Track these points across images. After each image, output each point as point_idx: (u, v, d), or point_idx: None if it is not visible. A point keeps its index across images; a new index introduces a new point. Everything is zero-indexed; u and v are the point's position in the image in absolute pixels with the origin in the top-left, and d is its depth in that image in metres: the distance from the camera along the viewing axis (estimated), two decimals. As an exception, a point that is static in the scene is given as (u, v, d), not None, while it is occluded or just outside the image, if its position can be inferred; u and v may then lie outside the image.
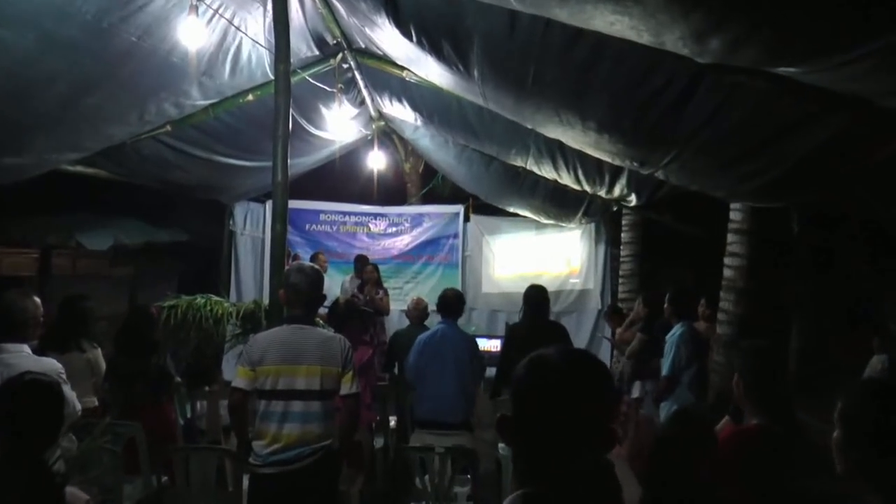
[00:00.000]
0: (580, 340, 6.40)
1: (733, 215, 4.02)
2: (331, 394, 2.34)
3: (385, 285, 5.84)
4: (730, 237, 4.02)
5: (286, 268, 2.52)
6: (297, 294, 2.34)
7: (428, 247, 7.57)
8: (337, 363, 2.32)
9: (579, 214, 6.28)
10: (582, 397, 0.96)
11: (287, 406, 2.31)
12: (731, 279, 3.98)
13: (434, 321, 3.59)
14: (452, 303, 3.50)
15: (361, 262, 6.03)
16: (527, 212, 6.69)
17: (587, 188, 4.88)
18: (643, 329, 4.13)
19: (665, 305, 3.71)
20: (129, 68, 3.35)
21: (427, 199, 8.42)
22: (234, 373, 2.35)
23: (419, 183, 8.84)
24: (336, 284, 5.83)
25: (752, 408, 1.77)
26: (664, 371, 3.49)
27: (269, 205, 6.49)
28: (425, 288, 7.23)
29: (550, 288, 6.01)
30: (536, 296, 3.42)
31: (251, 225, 7.08)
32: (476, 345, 3.50)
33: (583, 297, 6.81)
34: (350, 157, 7.09)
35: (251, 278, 6.92)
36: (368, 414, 3.97)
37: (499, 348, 4.06)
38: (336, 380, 2.33)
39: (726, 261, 4.02)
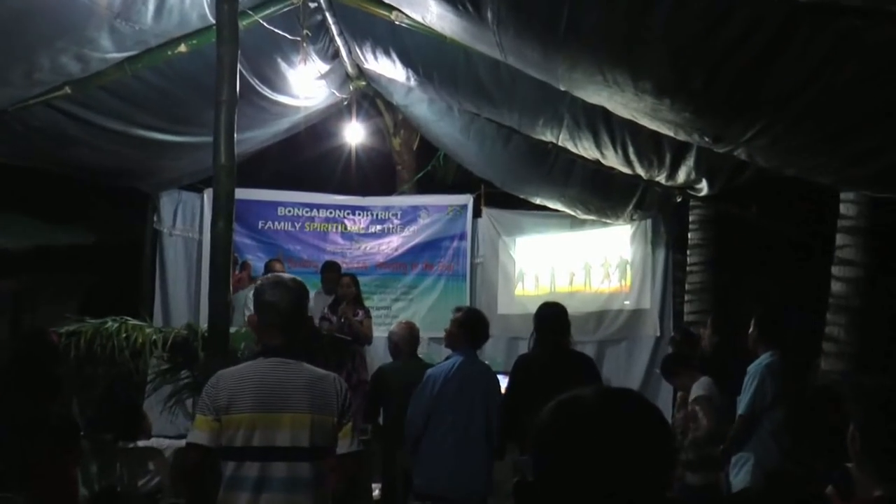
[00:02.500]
0: (632, 378, 6.43)
1: (845, 209, 4.15)
2: (324, 452, 2.31)
3: (366, 304, 5.97)
4: (839, 239, 4.17)
5: (258, 282, 2.45)
6: (275, 316, 2.30)
7: (425, 251, 7.62)
8: (332, 411, 2.30)
9: (630, 207, 6.29)
10: (629, 455, 0.96)
11: (264, 469, 2.25)
12: (841, 296, 4.07)
13: (432, 354, 3.86)
14: (476, 326, 3.54)
15: (333, 273, 6.12)
16: (558, 204, 6.71)
17: (641, 172, 4.92)
18: (708, 367, 4.11)
19: (750, 331, 3.71)
20: (7, 6, 3.28)
21: (423, 187, 8.53)
22: (190, 423, 2.34)
23: (413, 165, 9.00)
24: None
25: (874, 473, 1.76)
26: (740, 409, 3.52)
27: (207, 194, 6.57)
28: (421, 307, 7.34)
29: (591, 307, 6.65)
30: (552, 316, 3.47)
31: (183, 222, 7.13)
32: (499, 387, 3.59)
33: (635, 319, 6.76)
34: (320, 130, 7.29)
35: (183, 294, 6.95)
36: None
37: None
38: (331, 433, 2.31)
39: (835, 271, 4.13)
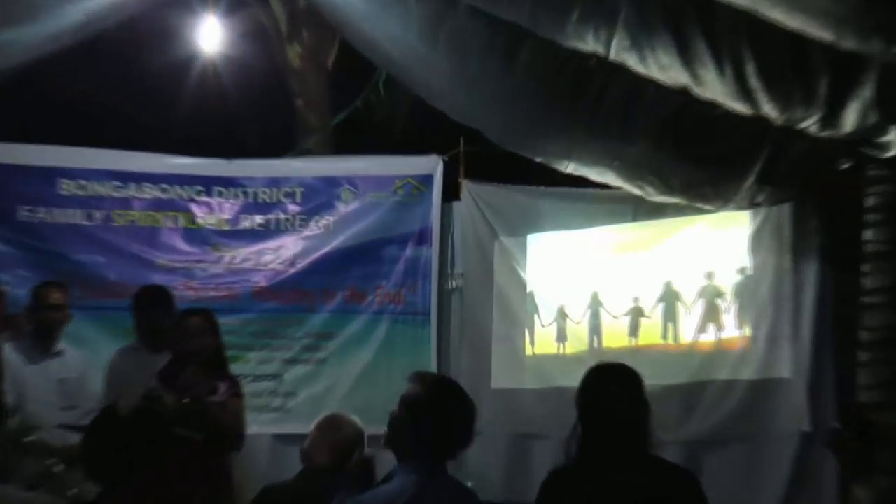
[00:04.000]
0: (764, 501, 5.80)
1: None
2: None
3: (234, 369, 5.29)
4: None
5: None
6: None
7: (350, 267, 6.74)
8: None
9: (749, 182, 5.48)
10: None
11: None
12: None
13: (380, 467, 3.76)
14: (444, 415, 3.19)
15: (165, 309, 5.50)
16: (609, 175, 5.81)
17: (770, 112, 4.66)
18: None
19: None
20: None
21: (347, 143, 7.74)
22: None
23: (325, 99, 8.51)
24: (97, 370, 5.37)
25: None
26: None
27: None
28: (344, 379, 6.49)
29: (675, 376, 5.90)
30: (615, 393, 3.11)
31: None
32: None
33: (763, 398, 5.87)
34: (144, 30, 6.81)
35: None
36: None
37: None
38: None
39: None
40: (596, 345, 6.32)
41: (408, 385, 3.18)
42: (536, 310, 6.61)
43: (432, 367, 6.33)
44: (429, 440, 3.07)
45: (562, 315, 6.52)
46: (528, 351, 6.56)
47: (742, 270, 6.09)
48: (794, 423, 5.72)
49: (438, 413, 3.10)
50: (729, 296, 6.09)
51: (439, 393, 3.19)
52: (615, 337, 6.29)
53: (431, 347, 6.62)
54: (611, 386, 3.15)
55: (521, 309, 6.63)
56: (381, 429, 3.50)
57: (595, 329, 6.36)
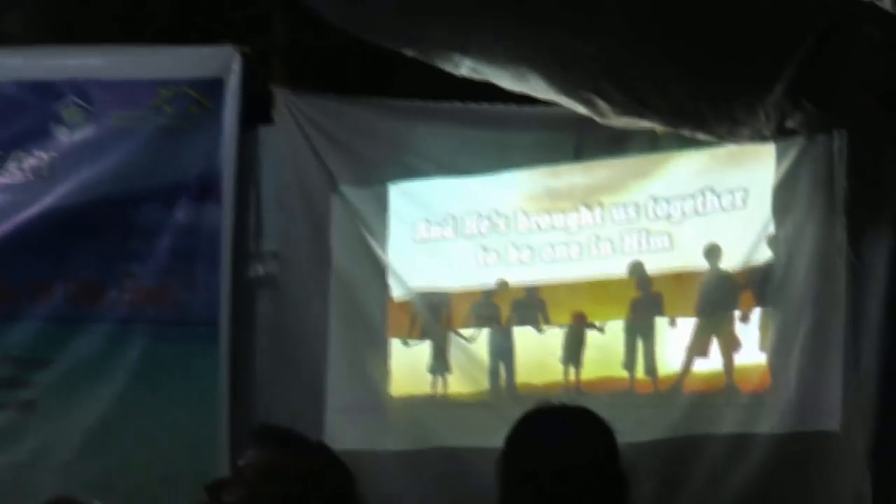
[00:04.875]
0: None
1: None
2: None
3: None
4: None
5: None
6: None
7: (83, 243, 5.58)
8: None
9: (776, 95, 4.44)
10: None
11: None
12: None
13: None
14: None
15: None
16: (535, 82, 4.64)
17: None
18: None
19: None
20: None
21: (72, 20, 6.24)
22: None
23: None
24: None
25: None
26: None
27: None
28: (67, 436, 5.52)
29: (652, 431, 5.24)
30: (558, 461, 2.51)
31: None
32: None
33: (795, 460, 4.86)
34: None
35: None
36: None
37: None
38: None
39: None
40: (503, 379, 5.02)
41: (249, 451, 2.34)
42: (403, 315, 5.29)
43: (222, 413, 5.01)
44: None
45: (442, 324, 5.18)
46: (389, 387, 5.26)
47: (762, 247, 4.85)
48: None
49: (306, 492, 2.33)
50: (743, 290, 4.86)
51: (306, 465, 2.32)
52: (540, 366, 4.95)
53: (221, 381, 5.15)
54: (562, 449, 2.33)
55: (376, 312, 5.29)
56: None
57: (502, 351, 5.02)
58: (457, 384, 5.16)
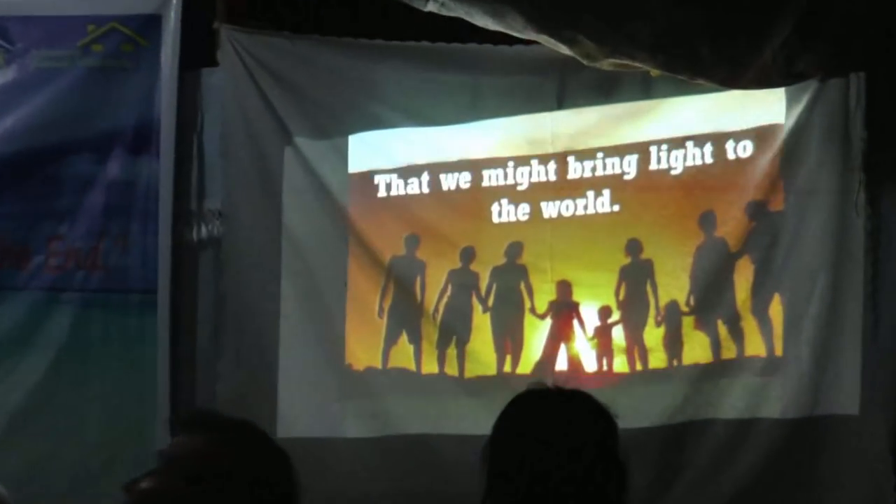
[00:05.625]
0: None
1: None
2: None
3: None
4: None
5: None
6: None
7: (2, 199, 5.36)
8: None
9: (782, 33, 4.48)
10: None
11: None
12: None
13: None
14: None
15: None
16: (512, 18, 4.53)
17: None
18: None
19: None
20: None
21: None
22: None
23: None
24: None
25: None
26: None
27: None
28: None
29: (648, 416, 5.27)
30: (550, 447, 2.52)
31: None
32: None
33: (809, 447, 4.76)
34: None
35: None
36: None
37: None
38: None
39: None
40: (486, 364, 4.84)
41: (175, 439, 2.23)
42: (367, 282, 5.10)
43: (161, 390, 4.76)
44: None
45: (408, 294, 4.98)
46: (349, 360, 4.97)
47: (769, 209, 4.69)
48: (867, 498, 4.47)
49: (241, 489, 2.09)
50: (747, 260, 4.67)
51: (242, 451, 2.18)
52: (524, 350, 4.82)
53: (160, 355, 4.92)
54: (555, 433, 2.29)
55: (336, 279, 5.03)
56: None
57: (462, 324, 4.89)
58: (429, 362, 4.97)
